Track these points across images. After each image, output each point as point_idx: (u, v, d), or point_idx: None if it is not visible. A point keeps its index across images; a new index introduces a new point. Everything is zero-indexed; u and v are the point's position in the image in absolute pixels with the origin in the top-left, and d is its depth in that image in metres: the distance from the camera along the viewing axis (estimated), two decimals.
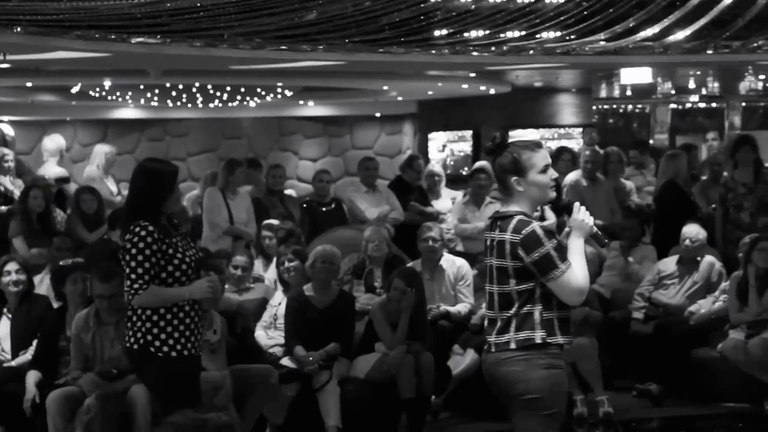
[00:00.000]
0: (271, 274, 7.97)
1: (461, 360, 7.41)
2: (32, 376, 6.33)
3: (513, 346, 4.11)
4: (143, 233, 4.70)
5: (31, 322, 6.85)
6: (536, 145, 4.24)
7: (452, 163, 15.40)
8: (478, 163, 10.13)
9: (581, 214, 4.20)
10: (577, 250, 4.16)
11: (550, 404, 4.11)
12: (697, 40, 8.08)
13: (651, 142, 17.31)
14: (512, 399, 4.16)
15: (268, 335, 7.23)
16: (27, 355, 6.73)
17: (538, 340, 4.08)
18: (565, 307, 4.14)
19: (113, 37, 6.88)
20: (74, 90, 13.01)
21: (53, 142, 11.01)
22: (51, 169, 10.66)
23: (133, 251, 4.69)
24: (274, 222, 8.58)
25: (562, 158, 10.19)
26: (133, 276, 4.71)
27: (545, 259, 4.05)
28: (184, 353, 4.84)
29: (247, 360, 6.69)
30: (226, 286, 7.62)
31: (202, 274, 4.84)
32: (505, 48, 7.90)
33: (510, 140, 4.22)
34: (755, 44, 8.17)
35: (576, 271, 4.08)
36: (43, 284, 7.56)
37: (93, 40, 6.83)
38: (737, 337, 7.68)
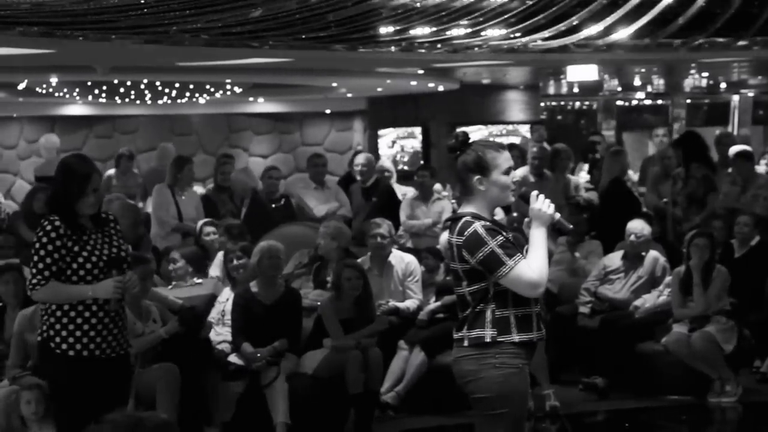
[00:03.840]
0: (213, 271, 7.95)
1: (411, 362, 7.42)
2: None
3: (466, 344, 4.04)
4: (48, 228, 4.59)
5: None
6: (500, 146, 4.17)
7: (403, 159, 15.45)
8: None
9: (538, 203, 4.06)
10: (536, 241, 4.03)
11: (500, 404, 3.99)
12: (639, 38, 8.18)
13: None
14: (468, 396, 4.09)
15: (217, 331, 7.20)
16: None
17: (488, 339, 3.98)
18: (524, 304, 4.01)
19: (57, 33, 6.82)
20: (21, 86, 12.88)
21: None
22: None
23: (37, 246, 4.59)
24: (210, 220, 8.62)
25: (511, 155, 10.27)
26: (33, 270, 4.61)
27: (490, 257, 3.95)
28: (83, 353, 4.63)
29: (198, 351, 6.65)
30: (173, 283, 7.61)
31: (114, 274, 4.63)
32: (441, 47, 7.94)
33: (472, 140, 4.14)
34: (696, 43, 8.30)
35: (527, 265, 3.96)
36: None
37: (35, 36, 6.76)
38: (680, 331, 7.79)
